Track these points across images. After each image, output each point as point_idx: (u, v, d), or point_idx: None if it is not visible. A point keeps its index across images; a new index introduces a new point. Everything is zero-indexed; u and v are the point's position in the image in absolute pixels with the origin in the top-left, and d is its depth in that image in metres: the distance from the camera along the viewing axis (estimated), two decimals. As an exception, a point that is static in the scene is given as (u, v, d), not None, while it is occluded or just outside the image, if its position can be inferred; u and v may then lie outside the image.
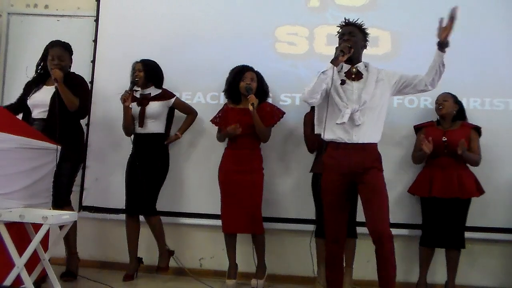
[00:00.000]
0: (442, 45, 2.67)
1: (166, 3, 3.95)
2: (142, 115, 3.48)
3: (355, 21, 2.85)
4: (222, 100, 3.69)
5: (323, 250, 3.32)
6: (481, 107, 3.59)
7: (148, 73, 3.55)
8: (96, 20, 4.00)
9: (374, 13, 3.70)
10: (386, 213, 2.65)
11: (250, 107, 3.25)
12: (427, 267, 3.36)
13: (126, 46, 3.92)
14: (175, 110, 3.65)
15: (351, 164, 2.68)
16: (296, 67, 3.77)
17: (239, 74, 3.42)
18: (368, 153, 2.72)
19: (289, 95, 3.75)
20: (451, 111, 3.35)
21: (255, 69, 3.49)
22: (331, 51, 3.66)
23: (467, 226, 3.34)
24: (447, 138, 3.26)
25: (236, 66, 3.49)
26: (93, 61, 3.96)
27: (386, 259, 2.61)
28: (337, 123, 2.71)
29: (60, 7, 4.13)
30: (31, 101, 3.34)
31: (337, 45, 2.80)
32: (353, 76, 2.79)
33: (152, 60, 3.59)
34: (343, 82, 2.78)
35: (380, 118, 2.80)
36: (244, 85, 3.39)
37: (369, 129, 2.73)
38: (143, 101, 3.52)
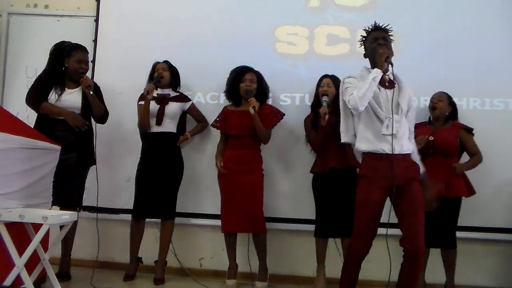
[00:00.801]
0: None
1: (166, 3, 3.95)
2: (162, 114, 3.48)
3: (385, 26, 2.79)
4: (222, 100, 3.70)
5: (322, 249, 3.34)
6: (481, 107, 3.60)
7: (173, 74, 3.59)
8: (96, 20, 4.00)
9: (374, 13, 3.70)
10: (423, 229, 2.61)
11: (251, 110, 3.25)
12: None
13: (126, 46, 3.92)
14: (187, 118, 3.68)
15: (396, 176, 2.59)
16: (296, 67, 3.77)
17: (239, 76, 3.42)
18: (409, 164, 2.69)
19: (289, 95, 3.75)
20: (444, 112, 3.35)
21: (256, 69, 3.49)
22: (331, 51, 3.75)
23: (467, 226, 3.34)
24: (434, 138, 3.25)
25: (237, 67, 3.48)
26: (93, 61, 3.95)
27: (414, 275, 2.59)
28: (383, 134, 2.63)
29: (60, 7, 4.13)
30: (59, 102, 3.27)
31: (367, 50, 2.79)
32: (386, 84, 2.73)
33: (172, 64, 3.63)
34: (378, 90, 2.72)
35: (412, 128, 2.78)
36: (244, 87, 3.39)
37: (407, 139, 2.70)
38: (164, 100, 3.51)
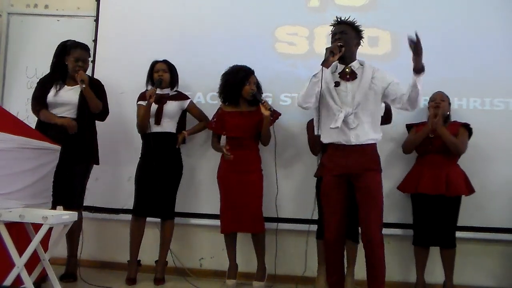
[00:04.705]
0: (416, 70, 2.62)
1: (166, 3, 3.95)
2: (160, 113, 3.47)
3: (346, 19, 2.82)
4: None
5: (323, 251, 3.33)
6: (481, 107, 3.59)
7: (173, 75, 3.58)
8: (96, 20, 4.01)
9: (374, 13, 3.70)
10: (379, 217, 2.63)
11: (267, 112, 3.24)
12: (423, 267, 3.35)
13: (126, 46, 3.92)
14: (187, 117, 3.66)
15: (348, 165, 2.68)
16: (296, 67, 3.77)
17: (244, 78, 3.38)
18: (366, 154, 2.71)
19: (289, 95, 3.75)
20: (446, 112, 3.35)
21: (255, 70, 3.48)
22: (331, 51, 3.72)
23: (467, 226, 3.35)
24: (434, 135, 3.25)
25: (238, 69, 3.44)
26: (93, 61, 3.95)
27: (375, 264, 2.59)
28: (331, 128, 2.70)
29: (60, 7, 4.14)
30: (56, 98, 3.33)
31: (328, 46, 2.78)
32: (347, 76, 2.76)
33: (171, 62, 3.61)
34: (337, 84, 2.76)
35: (377, 117, 2.78)
36: (249, 89, 3.37)
37: (367, 130, 2.71)
38: (162, 99, 3.50)
